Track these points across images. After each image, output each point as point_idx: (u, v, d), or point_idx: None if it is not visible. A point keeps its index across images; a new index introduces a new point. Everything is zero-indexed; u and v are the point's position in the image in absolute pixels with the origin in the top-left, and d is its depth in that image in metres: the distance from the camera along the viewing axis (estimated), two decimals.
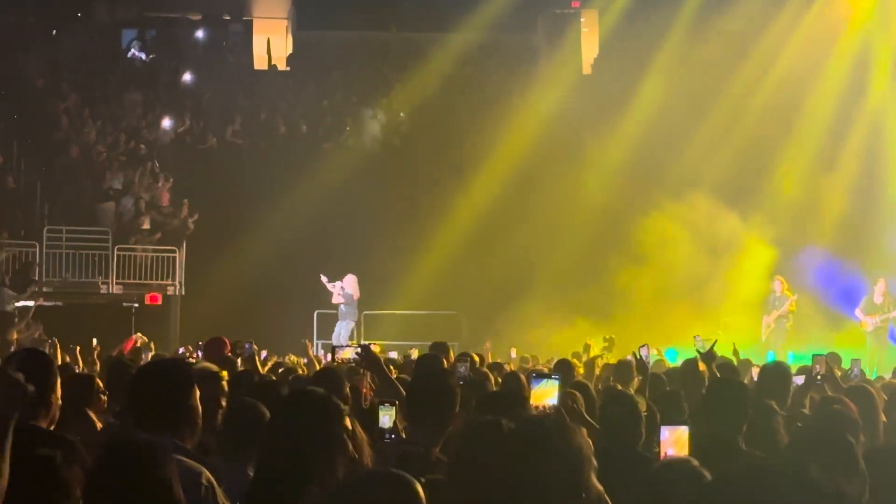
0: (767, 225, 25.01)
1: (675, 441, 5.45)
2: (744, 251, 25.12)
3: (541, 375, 5.68)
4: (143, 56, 32.06)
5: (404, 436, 5.96)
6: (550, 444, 3.83)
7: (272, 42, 32.65)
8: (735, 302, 24.39)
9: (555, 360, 12.75)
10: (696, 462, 4.35)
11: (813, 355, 10.44)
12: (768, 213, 25.35)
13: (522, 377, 8.30)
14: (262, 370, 11.17)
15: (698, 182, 25.55)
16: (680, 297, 24.52)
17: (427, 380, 6.50)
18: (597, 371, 13.35)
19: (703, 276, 24.74)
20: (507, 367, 12.68)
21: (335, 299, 24.21)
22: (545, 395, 5.46)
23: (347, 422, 4.23)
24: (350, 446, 4.18)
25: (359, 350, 8.50)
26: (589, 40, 30.17)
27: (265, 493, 4.19)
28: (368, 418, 6.15)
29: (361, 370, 9.20)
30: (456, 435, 3.42)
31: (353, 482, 3.58)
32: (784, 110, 26.53)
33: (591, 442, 4.40)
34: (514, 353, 20.09)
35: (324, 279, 24.23)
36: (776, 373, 8.61)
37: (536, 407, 5.58)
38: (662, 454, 5.43)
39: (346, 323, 24.11)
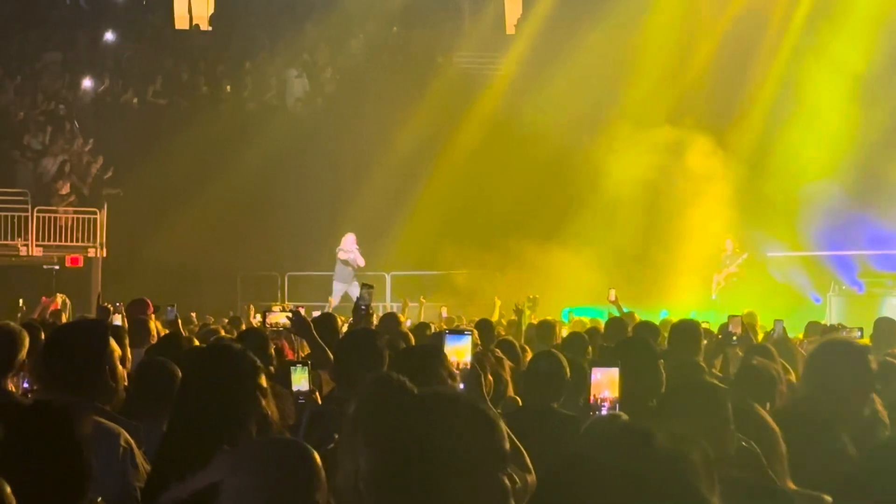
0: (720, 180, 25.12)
1: (607, 383, 5.49)
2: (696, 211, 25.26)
3: (455, 332, 5.68)
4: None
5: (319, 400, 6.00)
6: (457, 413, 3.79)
7: (193, 1, 32.28)
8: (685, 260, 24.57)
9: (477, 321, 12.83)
10: (625, 417, 4.39)
11: (729, 315, 10.52)
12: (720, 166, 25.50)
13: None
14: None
15: (633, 138, 25.67)
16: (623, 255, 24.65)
17: (350, 340, 6.50)
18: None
19: (651, 235, 24.91)
20: (433, 328, 12.71)
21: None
22: (460, 352, 5.46)
23: (263, 380, 4.17)
24: (264, 405, 4.12)
25: (289, 315, 8.50)
26: (512, 0, 30.16)
27: (174, 451, 4.11)
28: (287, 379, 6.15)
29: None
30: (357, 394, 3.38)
31: (248, 448, 3.56)
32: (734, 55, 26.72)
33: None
34: (444, 313, 20.14)
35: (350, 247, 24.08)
36: (685, 330, 8.66)
37: (452, 363, 5.59)
38: (592, 397, 5.46)
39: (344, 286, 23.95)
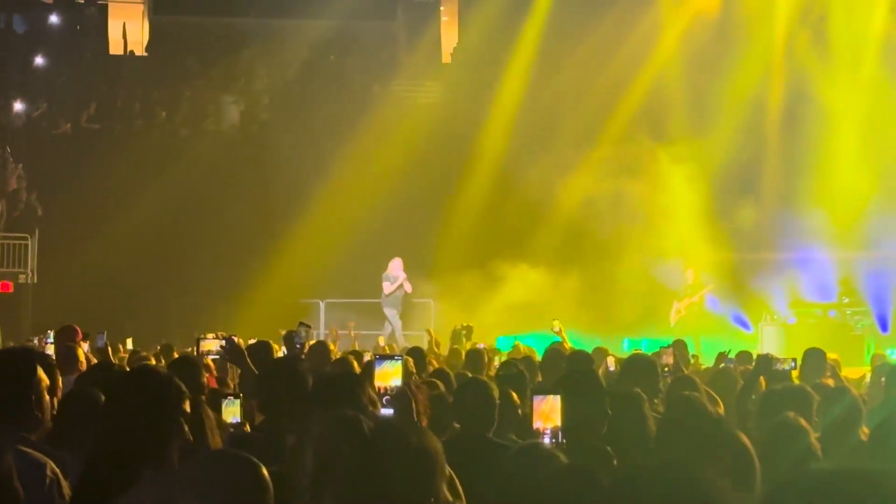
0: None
1: (549, 411, 5.49)
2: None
3: (384, 357, 5.69)
4: None
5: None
6: (408, 445, 3.80)
7: (128, 27, 32.12)
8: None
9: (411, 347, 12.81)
10: (547, 445, 4.40)
11: (661, 346, 10.59)
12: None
13: (351, 359, 8.33)
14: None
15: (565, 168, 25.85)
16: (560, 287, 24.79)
17: (274, 369, 6.46)
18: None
19: (597, 260, 25.08)
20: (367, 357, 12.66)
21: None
22: (389, 375, 5.46)
23: (187, 405, 4.13)
24: (187, 430, 4.06)
25: (223, 343, 8.46)
26: (448, 29, 30.24)
27: (95, 475, 4.06)
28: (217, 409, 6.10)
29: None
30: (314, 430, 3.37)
31: (192, 463, 3.52)
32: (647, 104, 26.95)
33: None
34: (381, 342, 20.14)
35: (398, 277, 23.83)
36: (638, 362, 8.70)
37: (381, 388, 5.59)
38: (534, 424, 5.47)
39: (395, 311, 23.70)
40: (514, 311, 23.87)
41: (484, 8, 28.28)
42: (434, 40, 30.18)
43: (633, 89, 27.03)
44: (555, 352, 10.56)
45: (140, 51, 32.02)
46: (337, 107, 28.68)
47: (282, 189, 26.72)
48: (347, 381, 5.50)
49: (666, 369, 9.74)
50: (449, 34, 30.32)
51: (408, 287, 23.66)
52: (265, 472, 3.35)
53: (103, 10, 32.99)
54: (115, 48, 32.12)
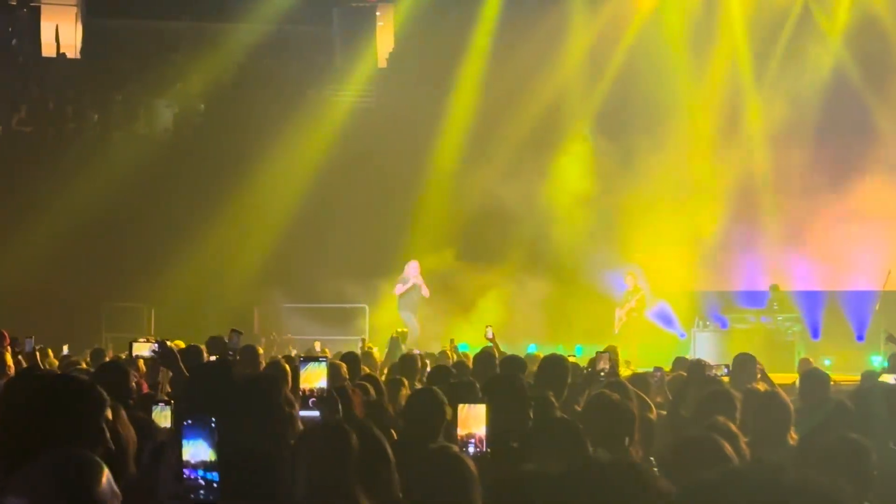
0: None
1: (474, 420, 5.47)
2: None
3: (309, 359, 5.67)
4: None
5: None
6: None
7: (61, 29, 31.78)
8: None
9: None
10: (455, 448, 4.41)
11: (597, 351, 10.61)
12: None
13: (283, 362, 8.30)
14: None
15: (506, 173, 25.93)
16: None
17: (202, 372, 6.41)
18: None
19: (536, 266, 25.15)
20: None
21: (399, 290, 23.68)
22: (315, 377, 5.44)
23: (109, 413, 4.06)
24: (108, 438, 3.98)
25: (156, 347, 8.41)
26: (384, 34, 30.19)
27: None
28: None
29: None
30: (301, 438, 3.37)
31: (33, 466, 3.46)
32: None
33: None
34: (318, 347, 20.08)
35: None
36: (552, 364, 8.70)
37: (306, 390, 5.56)
38: (459, 432, 5.46)
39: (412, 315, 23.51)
40: (455, 317, 23.93)
41: (420, 13, 28.28)
42: (370, 45, 30.12)
43: (574, 93, 27.14)
44: (485, 357, 10.54)
45: (73, 53, 31.69)
46: (271, 111, 28.54)
47: (215, 193, 26.55)
48: (263, 382, 5.47)
49: (602, 374, 9.77)
50: (385, 39, 30.25)
51: (425, 291, 23.61)
52: (105, 473, 3.29)
53: (35, 12, 32.57)
54: (48, 50, 31.75)
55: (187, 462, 3.81)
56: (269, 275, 25.33)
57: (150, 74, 29.79)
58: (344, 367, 9.35)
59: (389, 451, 3.32)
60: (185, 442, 3.85)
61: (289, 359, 12.07)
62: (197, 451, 3.83)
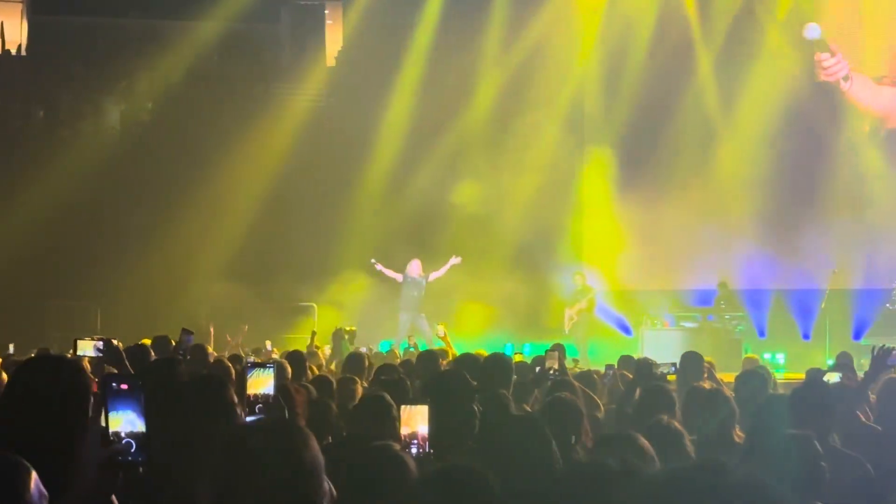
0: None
1: (417, 421, 5.48)
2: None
3: (256, 365, 5.65)
4: None
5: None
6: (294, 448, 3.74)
7: (6, 26, 31.51)
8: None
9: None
10: (397, 447, 4.42)
11: (546, 349, 10.62)
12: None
13: (226, 362, 8.26)
14: None
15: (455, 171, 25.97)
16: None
17: (150, 371, 6.37)
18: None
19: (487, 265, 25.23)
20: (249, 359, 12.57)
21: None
22: (261, 383, 5.42)
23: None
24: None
25: (100, 345, 8.35)
26: (333, 33, 30.14)
27: None
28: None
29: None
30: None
31: None
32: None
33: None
34: (268, 345, 20.02)
35: (378, 266, 23.45)
36: (495, 363, 8.71)
37: (253, 395, 5.54)
38: (402, 432, 5.46)
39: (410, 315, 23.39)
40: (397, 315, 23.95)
41: (369, 11, 28.25)
42: (319, 43, 30.05)
43: (521, 91, 27.19)
44: (429, 355, 10.53)
45: (18, 51, 31.43)
46: (220, 110, 28.42)
47: (162, 191, 26.43)
48: (213, 384, 5.45)
49: (552, 372, 9.78)
50: (334, 38, 30.21)
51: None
52: (32, 475, 3.26)
53: None
54: None
55: (115, 429, 3.77)
56: (220, 273, 25.20)
57: (97, 72, 29.58)
58: (288, 367, 9.33)
59: (307, 455, 3.31)
60: (111, 407, 3.79)
61: (235, 358, 12.03)
62: (125, 415, 3.79)
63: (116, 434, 3.76)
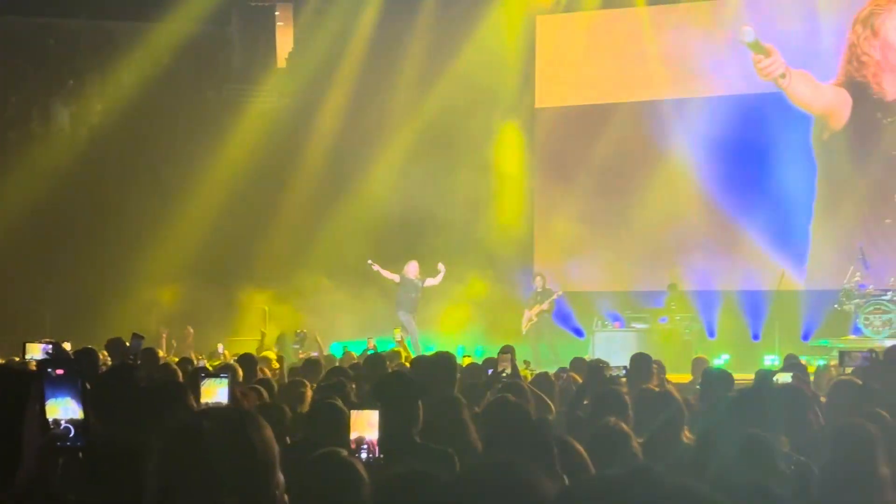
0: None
1: (366, 425, 5.48)
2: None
3: (210, 374, 5.64)
4: None
5: None
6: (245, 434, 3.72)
7: None
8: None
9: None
10: (345, 453, 4.41)
11: (499, 351, 10.64)
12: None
13: (173, 366, 8.24)
14: None
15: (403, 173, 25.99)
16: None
17: (106, 376, 6.35)
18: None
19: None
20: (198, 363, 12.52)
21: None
22: (213, 391, 5.40)
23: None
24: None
25: (48, 348, 8.31)
26: (284, 34, 30.06)
27: None
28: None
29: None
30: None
31: None
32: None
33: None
34: (220, 348, 19.92)
35: (375, 267, 23.32)
36: (438, 363, 8.73)
37: (206, 404, 5.52)
38: (351, 437, 5.46)
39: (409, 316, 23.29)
40: (353, 317, 23.91)
41: (319, 13, 28.20)
42: (269, 45, 29.96)
43: (464, 94, 27.23)
44: (374, 359, 10.54)
45: None
46: (171, 112, 28.30)
47: (110, 193, 26.30)
48: (171, 389, 5.44)
49: (504, 376, 9.80)
50: (284, 40, 30.12)
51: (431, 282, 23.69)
52: None
53: None
54: None
55: (55, 416, 3.75)
56: (169, 276, 25.11)
57: (47, 74, 29.38)
58: (239, 370, 9.32)
59: (258, 439, 3.30)
60: (49, 394, 3.77)
61: (185, 361, 12.00)
62: (63, 400, 3.77)
63: (56, 420, 3.73)
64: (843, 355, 11.22)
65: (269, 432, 3.59)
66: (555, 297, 24.13)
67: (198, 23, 28.81)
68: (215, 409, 4.73)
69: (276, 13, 30.02)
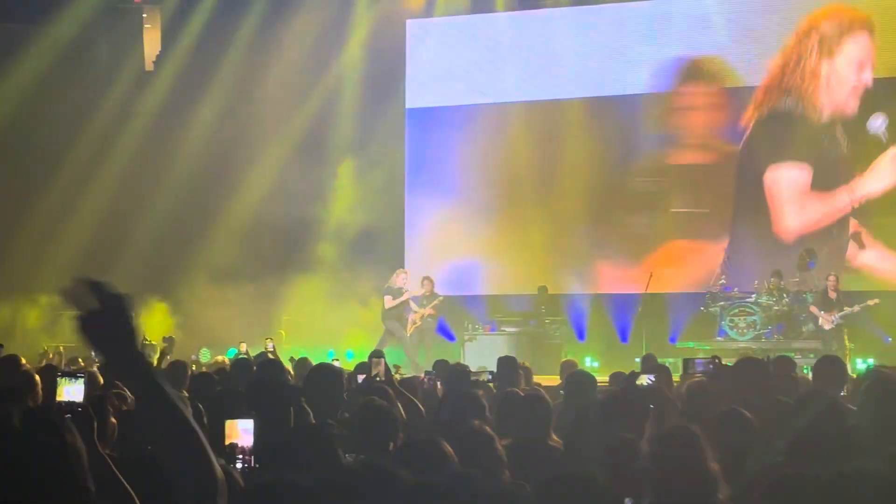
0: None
1: (240, 434, 5.44)
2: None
3: (65, 373, 5.55)
4: None
5: None
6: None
7: None
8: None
9: None
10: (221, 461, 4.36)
11: (370, 356, 10.61)
12: None
13: (31, 372, 8.12)
14: None
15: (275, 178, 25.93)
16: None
17: None
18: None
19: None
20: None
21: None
22: (71, 392, 5.33)
23: None
24: None
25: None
26: (151, 36, 29.69)
27: None
28: None
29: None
30: None
31: None
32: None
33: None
34: (94, 353, 19.61)
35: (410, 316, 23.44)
36: (323, 372, 8.69)
37: (62, 403, 5.45)
38: (227, 448, 5.42)
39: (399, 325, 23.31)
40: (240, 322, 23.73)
41: (187, 16, 27.92)
42: (137, 49, 29.55)
43: (338, 95, 27.23)
44: (241, 364, 10.49)
45: None
46: (34, 112, 27.78)
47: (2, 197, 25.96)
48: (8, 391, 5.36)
49: (378, 380, 9.78)
50: (151, 42, 29.74)
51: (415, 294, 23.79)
52: None
53: None
54: None
55: None
56: (59, 278, 24.70)
57: None
58: (99, 376, 9.18)
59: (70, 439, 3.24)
60: None
61: (49, 369, 11.75)
62: None
63: None
64: (687, 363, 11.48)
65: (78, 440, 3.53)
66: (439, 301, 24.13)
67: (69, 25, 28.34)
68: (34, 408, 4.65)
69: (144, 15, 29.64)
